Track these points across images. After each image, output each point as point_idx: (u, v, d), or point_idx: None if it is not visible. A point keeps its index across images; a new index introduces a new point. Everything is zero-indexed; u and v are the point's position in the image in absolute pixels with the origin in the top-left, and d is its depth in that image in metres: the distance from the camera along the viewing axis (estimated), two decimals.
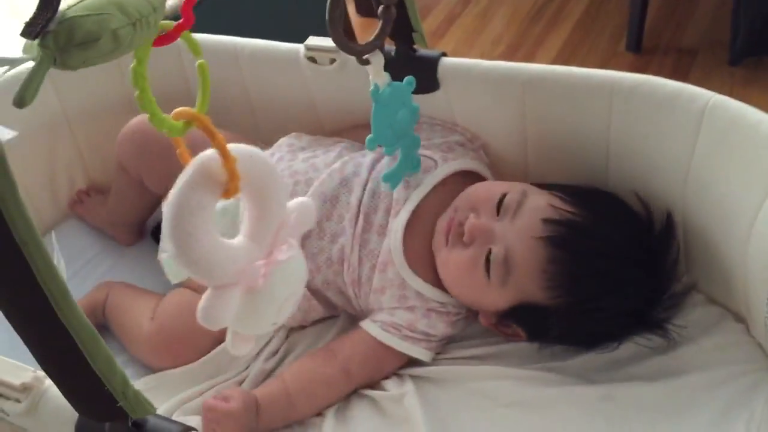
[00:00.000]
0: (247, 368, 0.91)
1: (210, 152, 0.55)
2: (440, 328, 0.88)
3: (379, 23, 0.86)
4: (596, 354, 0.86)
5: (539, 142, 0.94)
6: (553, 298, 0.81)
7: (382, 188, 0.90)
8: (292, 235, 0.60)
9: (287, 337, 0.94)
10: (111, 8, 0.54)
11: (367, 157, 0.94)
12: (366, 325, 0.88)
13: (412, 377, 0.87)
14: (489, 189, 0.88)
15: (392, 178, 0.90)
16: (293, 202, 0.61)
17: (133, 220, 1.13)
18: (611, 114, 0.87)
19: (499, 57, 2.09)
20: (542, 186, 0.89)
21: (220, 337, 0.88)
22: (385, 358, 0.87)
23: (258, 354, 0.92)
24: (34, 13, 0.52)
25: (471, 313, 0.91)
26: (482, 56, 2.02)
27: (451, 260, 0.85)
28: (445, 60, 0.94)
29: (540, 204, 0.84)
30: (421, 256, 0.88)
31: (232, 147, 0.55)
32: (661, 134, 0.85)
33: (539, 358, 0.87)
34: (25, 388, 0.67)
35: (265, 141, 1.06)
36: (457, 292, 0.87)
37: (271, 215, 0.59)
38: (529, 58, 2.05)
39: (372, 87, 0.87)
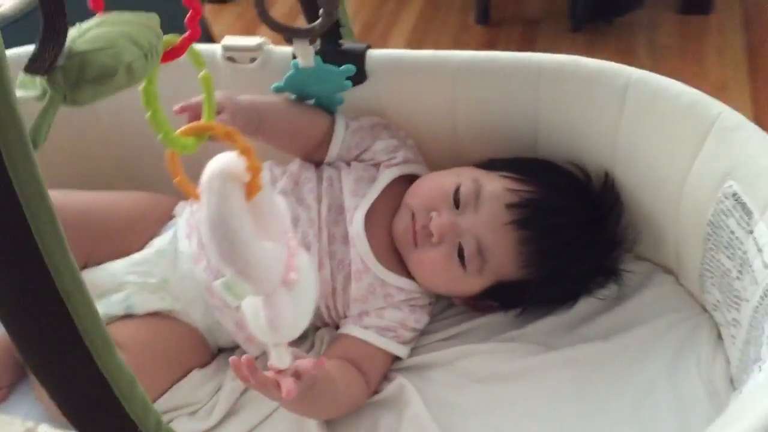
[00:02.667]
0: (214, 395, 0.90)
1: (227, 158, 0.54)
2: (423, 321, 0.92)
3: (318, 20, 0.87)
4: (551, 319, 0.92)
5: (469, 124, 0.97)
6: (528, 274, 0.87)
7: (336, 201, 0.92)
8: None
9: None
10: (122, 41, 0.51)
11: (310, 171, 0.94)
12: (361, 333, 0.88)
13: (397, 371, 0.90)
14: (440, 184, 0.90)
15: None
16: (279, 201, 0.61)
17: None
18: (539, 94, 0.92)
19: (357, 36, 2.11)
20: (484, 166, 0.93)
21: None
22: (386, 361, 0.89)
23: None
24: (38, 48, 0.49)
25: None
26: None
27: (425, 260, 0.88)
28: (371, 52, 0.96)
29: (497, 190, 0.88)
30: (387, 252, 0.90)
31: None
32: (587, 110, 0.91)
33: (498, 331, 0.92)
34: None
35: None
36: (434, 286, 0.91)
37: (279, 214, 0.59)
38: (385, 35, 2.08)
39: (294, 60, 0.92)
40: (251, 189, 0.54)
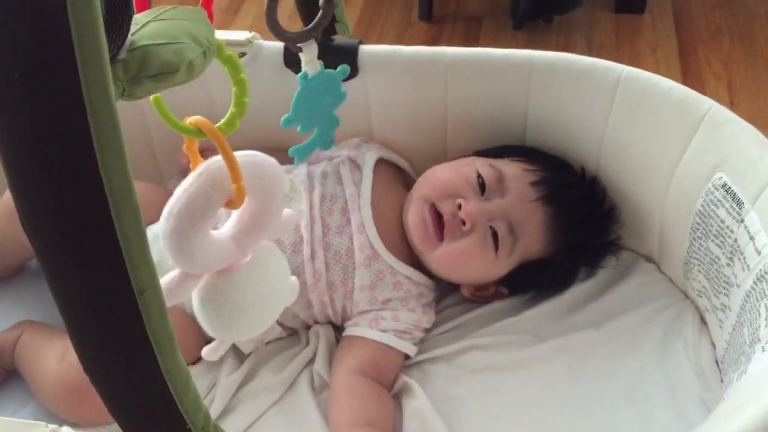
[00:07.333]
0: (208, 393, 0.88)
1: (218, 163, 0.52)
2: (432, 320, 0.93)
3: (319, 13, 0.86)
4: (543, 310, 0.95)
5: (459, 118, 0.99)
6: (553, 250, 0.90)
7: (329, 190, 0.92)
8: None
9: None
10: (184, 36, 0.50)
11: (300, 167, 0.95)
12: (380, 336, 0.88)
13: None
14: (458, 172, 0.90)
15: (301, 153, 0.88)
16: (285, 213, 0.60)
17: (16, 262, 1.02)
18: (529, 90, 0.94)
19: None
20: (483, 154, 0.95)
21: None
22: (402, 362, 0.90)
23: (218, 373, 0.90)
24: None
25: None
26: None
27: (456, 250, 0.87)
28: (363, 47, 0.96)
29: (516, 172, 0.90)
30: (393, 241, 0.90)
31: (241, 155, 0.53)
32: (577, 106, 0.94)
33: (492, 323, 0.94)
34: None
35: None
36: (462, 275, 0.92)
37: (264, 225, 0.57)
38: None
39: (301, 73, 0.87)
40: (232, 203, 0.53)
